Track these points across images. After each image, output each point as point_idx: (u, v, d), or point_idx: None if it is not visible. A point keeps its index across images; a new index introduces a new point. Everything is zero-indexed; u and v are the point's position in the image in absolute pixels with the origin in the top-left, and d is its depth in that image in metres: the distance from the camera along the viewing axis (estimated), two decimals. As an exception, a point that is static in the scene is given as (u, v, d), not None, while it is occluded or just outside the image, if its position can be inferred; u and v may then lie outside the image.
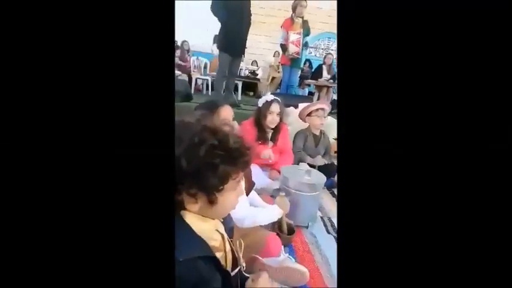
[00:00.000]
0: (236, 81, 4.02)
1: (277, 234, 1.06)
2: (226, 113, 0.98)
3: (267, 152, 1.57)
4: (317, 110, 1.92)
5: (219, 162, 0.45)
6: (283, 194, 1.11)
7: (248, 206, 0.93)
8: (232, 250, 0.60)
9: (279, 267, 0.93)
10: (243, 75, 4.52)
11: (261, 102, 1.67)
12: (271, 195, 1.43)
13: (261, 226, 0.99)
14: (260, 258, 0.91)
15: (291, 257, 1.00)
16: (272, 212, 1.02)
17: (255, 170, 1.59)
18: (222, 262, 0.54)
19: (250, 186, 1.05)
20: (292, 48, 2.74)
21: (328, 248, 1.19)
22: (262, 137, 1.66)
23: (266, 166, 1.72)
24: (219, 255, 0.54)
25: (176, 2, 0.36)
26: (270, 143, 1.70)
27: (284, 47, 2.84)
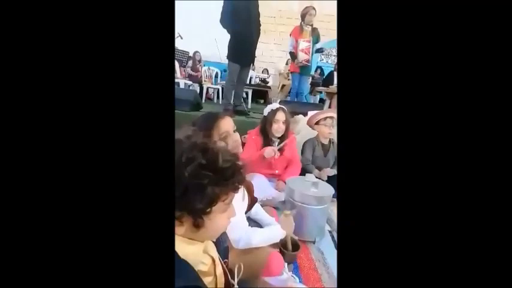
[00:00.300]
0: (246, 89, 4.06)
1: (280, 250, 1.01)
2: (227, 124, 0.96)
3: (270, 149, 1.51)
4: (325, 118, 1.87)
5: (206, 183, 0.43)
6: (288, 212, 1.06)
7: (245, 226, 0.89)
8: (225, 272, 0.57)
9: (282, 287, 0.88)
10: (253, 83, 4.54)
11: (266, 110, 1.65)
12: (276, 208, 1.38)
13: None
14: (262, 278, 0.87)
15: (294, 276, 0.94)
16: (273, 233, 0.96)
17: (260, 180, 1.56)
18: (211, 286, 0.51)
19: (252, 202, 1.01)
20: (302, 56, 2.72)
21: (335, 264, 1.12)
22: (267, 146, 1.62)
23: (273, 176, 1.68)
24: (207, 280, 0.51)
25: (189, 14, 0.38)
26: (277, 153, 1.66)
27: (293, 55, 2.82)
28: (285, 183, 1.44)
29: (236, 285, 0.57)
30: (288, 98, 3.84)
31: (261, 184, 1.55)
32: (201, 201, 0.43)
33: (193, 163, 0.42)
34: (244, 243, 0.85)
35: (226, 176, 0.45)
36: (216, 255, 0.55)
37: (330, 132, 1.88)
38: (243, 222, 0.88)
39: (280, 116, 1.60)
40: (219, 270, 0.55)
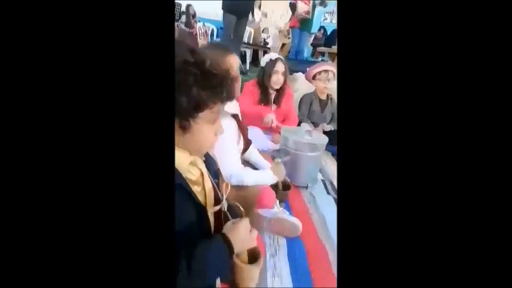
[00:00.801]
0: (245, 49, 3.85)
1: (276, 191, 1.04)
2: (233, 60, 0.91)
3: (269, 117, 1.49)
4: (321, 72, 1.79)
5: (192, 82, 0.41)
6: (279, 160, 1.07)
7: (238, 164, 0.89)
8: (214, 189, 0.58)
9: (273, 219, 0.93)
10: (251, 42, 4.31)
11: (264, 61, 1.58)
12: (271, 156, 1.40)
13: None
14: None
15: (285, 210, 0.99)
16: (265, 177, 0.97)
17: (256, 133, 1.55)
18: (200, 197, 0.52)
19: (247, 145, 1.01)
20: (302, 7, 2.53)
21: (326, 208, 1.17)
22: (265, 98, 1.58)
23: (269, 130, 1.68)
24: (196, 189, 0.52)
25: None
26: (274, 106, 1.63)
27: (293, 6, 2.62)
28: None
29: (225, 201, 0.59)
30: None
31: (257, 136, 1.55)
32: (187, 102, 0.41)
33: (179, 58, 0.40)
34: (236, 180, 0.87)
35: (213, 81, 0.44)
36: (204, 170, 0.55)
37: (325, 86, 1.82)
38: (236, 160, 0.89)
39: (280, 67, 1.53)
40: (208, 185, 0.56)
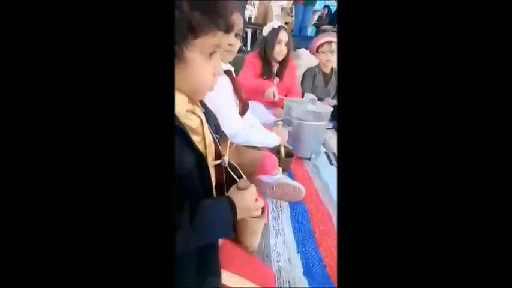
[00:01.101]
0: (245, 29, 3.73)
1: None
2: (237, 19, 0.86)
3: (271, 90, 1.43)
4: (323, 44, 1.72)
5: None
6: (281, 122, 1.04)
7: (242, 124, 0.88)
8: (215, 143, 0.57)
9: (276, 184, 0.92)
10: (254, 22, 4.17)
11: (266, 30, 1.51)
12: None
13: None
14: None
15: (287, 177, 0.98)
16: (269, 137, 0.96)
17: (257, 107, 1.52)
18: (200, 147, 0.50)
19: (244, 106, 0.97)
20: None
21: (329, 177, 1.16)
22: (267, 71, 1.53)
23: (271, 105, 1.64)
24: (196, 139, 0.50)
25: None
26: (276, 79, 1.59)
27: (297, -21, 2.49)
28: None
29: (227, 156, 0.57)
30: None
31: (258, 110, 1.52)
32: (180, 23, 0.39)
33: None
34: (241, 139, 0.85)
35: (211, 6, 0.41)
36: (204, 120, 0.53)
37: (328, 59, 1.75)
38: (238, 118, 0.86)
39: (283, 36, 1.47)
40: (209, 137, 0.54)
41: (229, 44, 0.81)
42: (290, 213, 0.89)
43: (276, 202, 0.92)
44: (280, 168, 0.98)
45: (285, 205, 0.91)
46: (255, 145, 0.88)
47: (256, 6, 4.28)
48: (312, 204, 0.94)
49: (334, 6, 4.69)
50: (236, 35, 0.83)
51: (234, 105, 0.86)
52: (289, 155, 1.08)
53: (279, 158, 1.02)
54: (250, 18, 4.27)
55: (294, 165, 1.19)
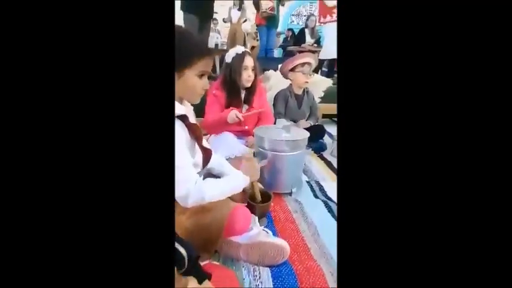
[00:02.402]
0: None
1: (249, 204, 0.84)
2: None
3: (232, 114, 1.24)
4: (303, 64, 1.64)
5: None
6: (250, 155, 0.87)
7: (194, 178, 0.66)
8: None
9: (251, 244, 0.72)
10: (220, 47, 4.15)
11: (229, 56, 1.37)
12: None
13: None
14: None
15: (267, 230, 0.78)
16: (233, 181, 0.75)
17: (228, 137, 1.35)
18: None
19: (206, 156, 0.77)
20: (265, 4, 2.41)
21: (316, 215, 0.98)
22: (234, 99, 1.38)
23: (242, 134, 1.48)
24: None
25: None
26: (245, 106, 1.44)
27: (257, 4, 2.50)
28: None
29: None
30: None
31: (229, 141, 1.34)
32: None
33: None
34: (193, 199, 0.64)
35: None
36: None
37: (306, 81, 1.67)
38: (191, 174, 0.66)
39: (249, 62, 1.34)
40: None
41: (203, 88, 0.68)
42: (273, 281, 0.68)
43: (253, 269, 0.71)
44: (256, 218, 0.79)
45: (265, 272, 0.70)
46: (213, 200, 0.68)
47: (222, 32, 4.31)
48: (300, 262, 0.74)
49: (297, 28, 4.89)
50: (209, 78, 0.68)
51: (188, 160, 0.67)
52: (266, 197, 0.89)
53: (253, 206, 0.83)
54: (216, 45, 4.26)
55: (274, 204, 1.01)
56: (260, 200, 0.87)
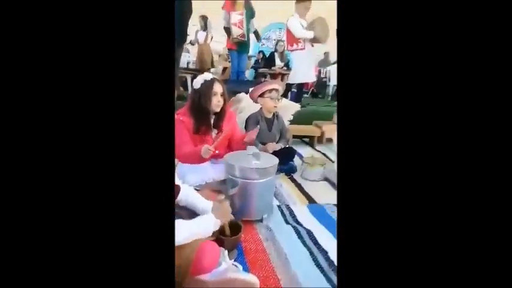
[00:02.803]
0: (184, 74, 3.68)
1: (217, 238, 0.82)
2: None
3: (205, 148, 1.23)
4: (270, 90, 1.72)
5: None
6: (222, 197, 0.87)
7: None
8: None
9: (220, 281, 0.70)
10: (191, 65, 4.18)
11: (198, 83, 1.39)
12: (216, 190, 1.19)
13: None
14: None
15: (237, 264, 0.77)
16: (203, 226, 0.74)
17: (201, 168, 1.33)
18: None
19: (175, 192, 0.75)
20: (236, 31, 2.52)
21: (287, 241, 0.99)
22: (203, 125, 1.37)
23: (213, 158, 1.47)
24: None
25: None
26: (214, 131, 1.45)
27: (228, 30, 2.60)
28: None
29: None
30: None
31: (198, 169, 1.32)
32: None
33: None
34: None
35: None
36: None
37: (275, 105, 1.75)
38: None
39: (218, 88, 1.36)
40: None
41: None
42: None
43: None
44: (226, 252, 0.77)
45: (236, 311, 0.68)
46: (181, 244, 0.66)
47: (193, 51, 4.36)
48: (271, 296, 0.73)
49: (268, 51, 5.15)
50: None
51: None
52: (235, 229, 0.88)
53: (223, 240, 0.81)
54: (188, 63, 4.28)
55: (245, 233, 1.00)
56: (229, 234, 0.85)
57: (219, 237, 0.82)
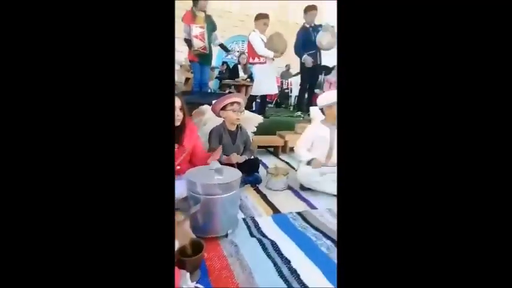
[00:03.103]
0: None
1: (178, 260, 0.79)
2: None
3: None
4: (232, 103, 1.74)
5: None
6: (182, 217, 0.85)
7: None
8: None
9: (180, 307, 0.67)
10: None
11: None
12: (177, 209, 1.14)
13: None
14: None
15: (199, 286, 0.75)
16: None
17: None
18: None
19: None
20: (197, 43, 2.52)
21: (251, 255, 1.00)
22: None
23: (177, 174, 1.42)
24: None
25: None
26: (175, 145, 1.41)
27: (189, 42, 2.59)
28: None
29: None
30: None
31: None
32: None
33: None
34: None
35: None
36: None
37: (237, 118, 1.77)
38: None
39: (176, 102, 1.35)
40: None
41: None
42: None
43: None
44: (188, 274, 0.75)
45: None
46: None
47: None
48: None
49: (232, 62, 5.22)
50: None
51: None
52: (197, 248, 0.86)
53: (184, 262, 0.78)
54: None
55: (209, 251, 0.98)
56: (191, 253, 0.83)
57: (181, 259, 0.79)
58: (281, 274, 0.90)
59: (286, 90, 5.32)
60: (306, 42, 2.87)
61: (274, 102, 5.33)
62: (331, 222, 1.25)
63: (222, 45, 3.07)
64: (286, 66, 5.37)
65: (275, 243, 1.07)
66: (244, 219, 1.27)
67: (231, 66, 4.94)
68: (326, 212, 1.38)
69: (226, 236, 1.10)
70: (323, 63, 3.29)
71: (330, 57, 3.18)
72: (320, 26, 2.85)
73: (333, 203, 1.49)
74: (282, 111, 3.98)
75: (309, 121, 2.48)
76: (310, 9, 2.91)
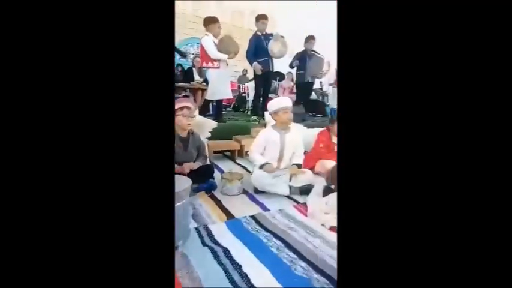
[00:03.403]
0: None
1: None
2: None
3: None
4: (182, 108, 1.69)
5: None
6: None
7: None
8: None
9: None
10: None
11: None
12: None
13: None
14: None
15: None
16: None
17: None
18: None
19: None
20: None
21: (202, 265, 0.98)
22: None
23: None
24: None
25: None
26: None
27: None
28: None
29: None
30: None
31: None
32: None
33: None
34: None
35: None
36: None
37: (188, 123, 1.72)
38: None
39: None
40: None
41: None
42: None
43: None
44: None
45: None
46: None
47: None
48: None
49: (187, 64, 5.05)
50: None
51: None
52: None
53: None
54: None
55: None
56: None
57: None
58: (231, 280, 0.90)
59: (244, 95, 5.40)
60: (258, 49, 2.96)
61: (232, 106, 5.35)
62: (282, 223, 1.31)
63: (177, 50, 2.97)
64: (243, 70, 5.45)
65: (227, 250, 1.07)
66: (197, 228, 1.24)
67: (185, 69, 4.79)
68: (277, 213, 1.44)
69: (177, 248, 1.06)
70: (275, 70, 3.44)
71: (282, 65, 3.34)
72: (271, 34, 2.98)
73: (284, 204, 1.56)
74: (239, 115, 4.02)
75: (264, 125, 2.57)
76: (261, 18, 3.01)
